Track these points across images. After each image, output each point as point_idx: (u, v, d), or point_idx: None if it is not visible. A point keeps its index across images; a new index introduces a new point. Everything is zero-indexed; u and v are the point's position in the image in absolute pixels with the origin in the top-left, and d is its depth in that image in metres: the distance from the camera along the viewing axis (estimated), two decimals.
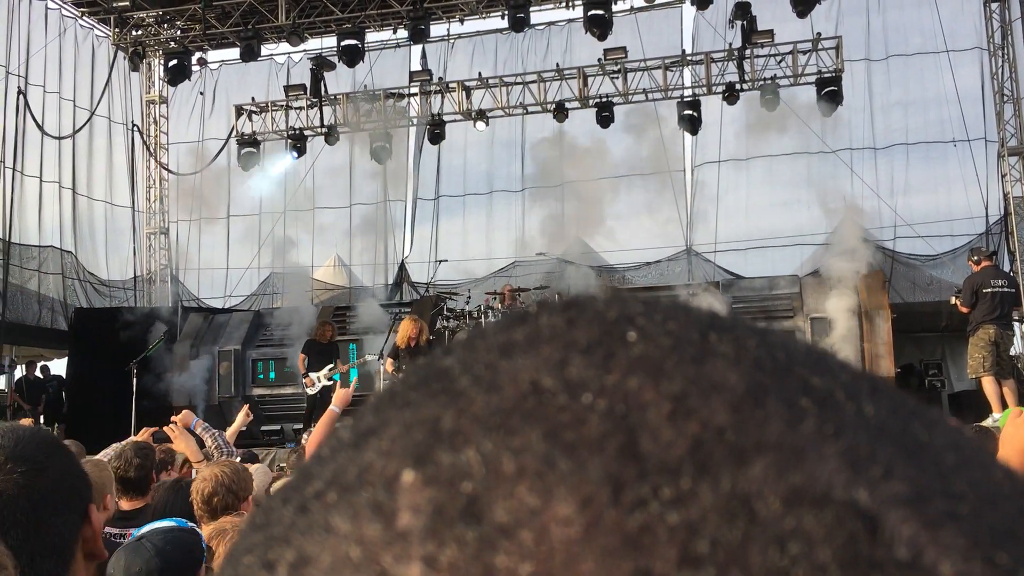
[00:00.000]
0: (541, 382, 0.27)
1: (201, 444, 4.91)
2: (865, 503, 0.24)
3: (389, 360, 10.94)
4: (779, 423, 0.26)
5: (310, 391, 12.08)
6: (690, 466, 0.25)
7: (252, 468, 5.15)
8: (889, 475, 0.25)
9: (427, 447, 0.27)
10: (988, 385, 9.73)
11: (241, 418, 6.42)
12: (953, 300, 10.54)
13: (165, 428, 4.97)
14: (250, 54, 17.35)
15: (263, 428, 13.73)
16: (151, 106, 20.80)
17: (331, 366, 11.99)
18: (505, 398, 0.27)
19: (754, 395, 0.27)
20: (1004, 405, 9.07)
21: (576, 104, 17.30)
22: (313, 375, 11.98)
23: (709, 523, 0.24)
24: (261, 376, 14.73)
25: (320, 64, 17.82)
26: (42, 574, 1.34)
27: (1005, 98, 16.85)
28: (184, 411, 5.24)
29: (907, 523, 0.24)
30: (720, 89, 16.55)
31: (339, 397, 4.42)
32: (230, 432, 5.89)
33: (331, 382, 11.42)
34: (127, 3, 17.94)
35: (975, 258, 10.53)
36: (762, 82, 16.29)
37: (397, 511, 0.26)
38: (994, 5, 17.10)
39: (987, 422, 8.27)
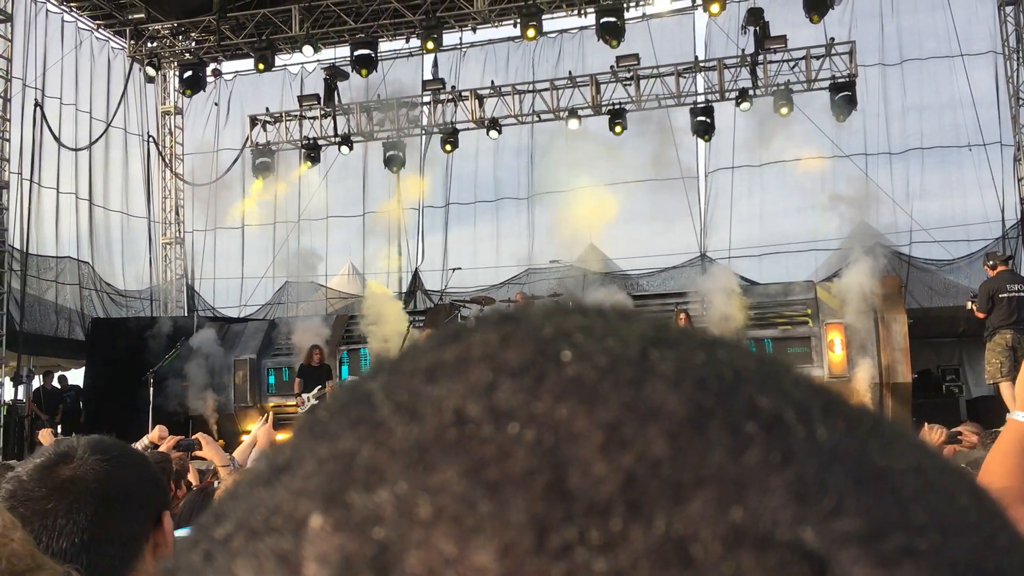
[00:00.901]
0: (466, 410, 0.25)
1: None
2: (812, 543, 0.22)
3: None
4: (721, 452, 0.23)
5: (302, 411, 12.58)
6: (621, 505, 0.22)
7: None
8: (840, 509, 0.23)
9: (339, 487, 0.24)
10: (1006, 390, 9.65)
11: (264, 435, 6.38)
12: (969, 305, 10.47)
13: (196, 436, 4.98)
14: (264, 64, 17.45)
15: (279, 438, 13.75)
16: (166, 117, 20.93)
17: (320, 387, 12.59)
18: (426, 429, 0.25)
19: (695, 421, 0.24)
20: None
21: (589, 111, 17.31)
22: (305, 395, 12.61)
23: (639, 570, 0.22)
24: (272, 384, 14.76)
25: (334, 74, 17.91)
26: (104, 561, 1.42)
27: (1021, 101, 16.75)
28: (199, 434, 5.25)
29: (858, 564, 0.22)
30: (733, 95, 16.52)
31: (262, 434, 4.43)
32: (243, 447, 5.86)
33: (319, 402, 11.81)
34: (142, 15, 18.09)
35: (991, 263, 10.46)
36: (775, 87, 16.25)
37: (302, 561, 0.24)
38: (1008, 8, 17.01)
39: None
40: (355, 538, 0.23)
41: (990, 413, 10.43)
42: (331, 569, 0.23)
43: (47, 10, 17.93)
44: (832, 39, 16.08)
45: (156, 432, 5.51)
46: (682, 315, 11.39)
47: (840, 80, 15.95)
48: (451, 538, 0.23)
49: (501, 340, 0.27)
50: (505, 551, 0.22)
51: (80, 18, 18.64)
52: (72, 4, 18.22)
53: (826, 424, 0.25)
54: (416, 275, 19.33)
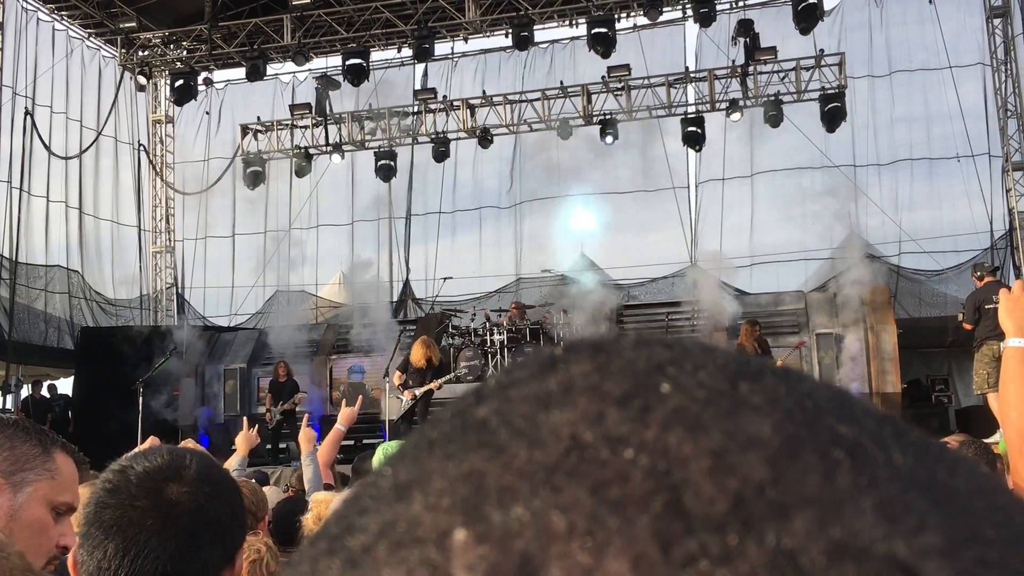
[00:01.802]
0: (582, 436, 0.27)
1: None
2: (903, 555, 0.25)
3: (397, 373, 11.34)
4: (816, 476, 0.26)
5: (269, 425, 12.98)
6: (735, 522, 0.25)
7: (267, 489, 5.16)
8: (923, 526, 0.26)
9: (475, 503, 0.27)
10: (994, 401, 9.69)
11: (248, 440, 6.40)
12: (960, 317, 10.51)
13: (185, 443, 4.99)
14: (256, 74, 17.46)
15: (268, 447, 13.71)
16: (157, 126, 20.91)
17: (282, 402, 13.05)
18: (548, 453, 0.27)
19: (789, 448, 0.27)
20: None
21: (580, 121, 17.36)
22: (273, 409, 13.12)
23: None
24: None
25: (325, 83, 17.93)
26: None
27: (1009, 113, 16.89)
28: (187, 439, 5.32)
29: (943, 573, 0.25)
30: (723, 106, 16.60)
31: (344, 416, 4.44)
32: (236, 458, 5.87)
33: (283, 416, 12.90)
34: (133, 24, 18.09)
35: (978, 274, 10.52)
36: (765, 98, 16.34)
37: (451, 570, 0.25)
38: (996, 21, 17.16)
39: (994, 438, 8.24)
40: (498, 550, 0.25)
41: (979, 423, 10.48)
42: None
43: (38, 18, 17.92)
44: (822, 50, 16.18)
45: (148, 444, 5.50)
46: (756, 328, 11.67)
47: (829, 91, 16.04)
48: (587, 550, 0.25)
49: (599, 371, 0.30)
50: (636, 561, 0.25)
51: (71, 27, 18.62)
52: (63, 13, 18.21)
53: (900, 450, 0.28)
54: (407, 284, 19.33)
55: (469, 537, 0.26)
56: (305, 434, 4.54)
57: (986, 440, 6.51)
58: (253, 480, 4.56)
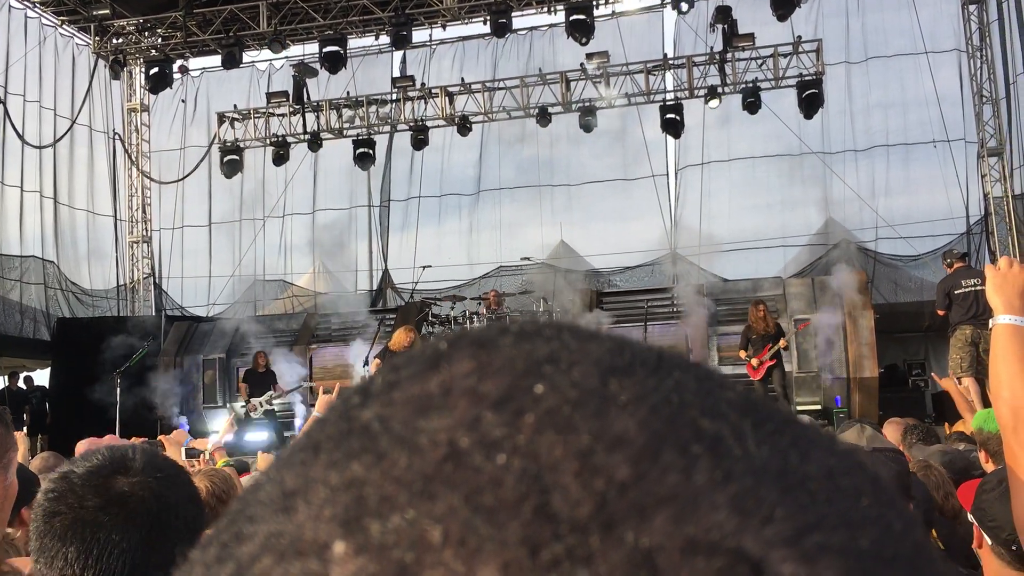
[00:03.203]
0: (458, 443, 0.28)
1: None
2: (750, 548, 0.26)
3: (376, 361, 11.30)
4: (675, 474, 0.27)
5: (254, 415, 12.91)
6: (597, 523, 0.26)
7: (244, 478, 5.15)
8: (771, 517, 0.27)
9: (355, 514, 0.27)
10: (950, 386, 9.76)
11: (227, 427, 6.40)
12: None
13: (160, 438, 4.98)
14: (232, 61, 17.31)
15: (247, 437, 13.67)
16: (132, 114, 20.72)
17: (270, 392, 12.95)
18: (426, 460, 0.28)
19: (652, 446, 0.28)
20: (986, 404, 9.11)
21: (559, 108, 17.34)
22: (255, 400, 12.94)
23: None
24: None
25: (302, 71, 17.81)
26: None
27: (984, 99, 17.01)
28: (199, 439, 5.37)
29: (786, 563, 0.26)
30: (702, 93, 16.63)
31: (321, 403, 4.42)
32: (215, 443, 5.87)
33: (271, 406, 12.85)
34: (107, 11, 17.87)
35: (948, 261, 10.63)
36: (744, 85, 16.37)
37: None
38: (972, 7, 17.26)
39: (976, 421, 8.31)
40: (376, 561, 0.26)
41: (955, 407, 10.55)
42: None
43: (9, 5, 17.67)
44: (799, 37, 16.21)
45: (83, 447, 5.47)
46: (761, 307, 11.60)
47: (807, 78, 16.09)
48: (459, 558, 0.26)
49: (478, 370, 0.31)
50: (506, 567, 0.26)
51: (44, 14, 18.39)
52: (35, 0, 17.97)
53: (756, 440, 0.30)
54: (386, 273, 19.28)
55: (348, 549, 0.27)
56: (323, 401, 4.48)
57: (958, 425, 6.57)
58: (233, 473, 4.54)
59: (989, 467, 3.65)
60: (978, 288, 9.85)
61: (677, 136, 17.13)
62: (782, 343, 11.32)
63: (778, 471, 0.29)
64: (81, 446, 4.06)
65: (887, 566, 0.28)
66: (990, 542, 2.32)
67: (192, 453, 5.18)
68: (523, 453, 0.28)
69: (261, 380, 13.25)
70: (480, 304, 13.57)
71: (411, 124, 17.76)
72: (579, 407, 0.29)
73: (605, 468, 0.27)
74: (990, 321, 2.09)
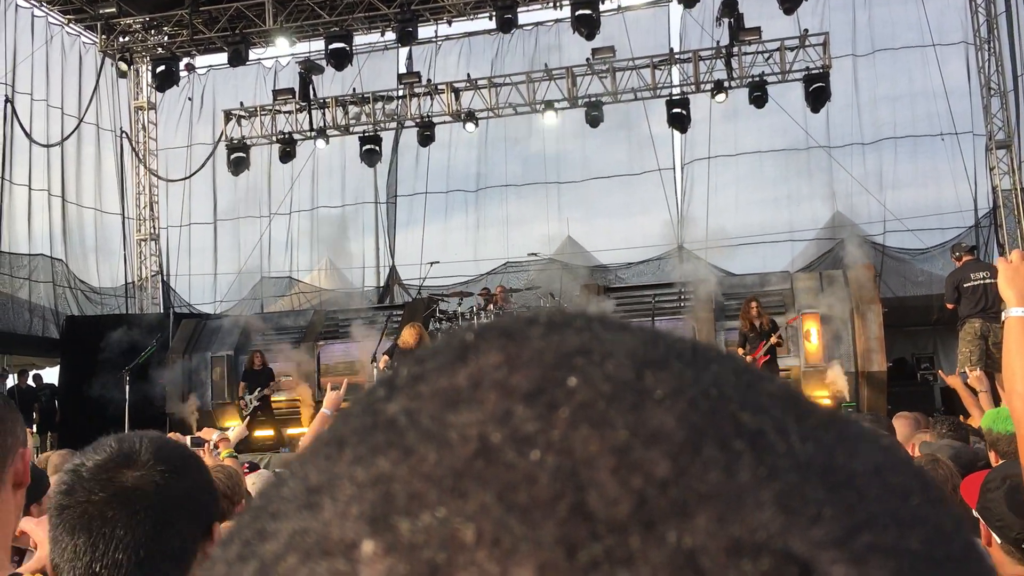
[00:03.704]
0: (489, 438, 0.27)
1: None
2: (798, 549, 0.25)
3: (384, 358, 11.30)
4: (717, 471, 0.26)
5: (244, 412, 13.06)
6: (637, 523, 0.25)
7: (252, 475, 5.17)
8: (819, 517, 0.26)
9: (383, 512, 0.27)
10: (957, 382, 9.73)
11: (240, 429, 6.43)
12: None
13: (169, 436, 5.01)
14: (238, 59, 17.32)
15: (257, 433, 13.72)
16: (139, 112, 20.76)
17: (260, 388, 13.11)
18: (456, 456, 0.27)
19: (692, 442, 0.27)
20: (996, 399, 9.05)
21: (565, 104, 17.31)
22: (247, 397, 13.16)
23: None
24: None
25: (308, 68, 17.81)
26: None
27: (992, 91, 16.92)
28: (205, 428, 5.44)
29: (836, 564, 0.25)
30: (708, 87, 16.58)
31: (330, 399, 4.41)
32: (220, 434, 5.90)
33: (259, 403, 12.99)
34: (113, 10, 17.90)
35: (956, 254, 10.57)
36: (750, 79, 16.32)
37: None
38: None
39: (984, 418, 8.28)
40: (406, 561, 0.25)
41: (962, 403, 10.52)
42: None
43: (16, 5, 17.71)
44: (806, 30, 16.16)
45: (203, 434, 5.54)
46: (754, 304, 11.58)
47: (814, 71, 16.04)
48: (493, 558, 0.25)
49: (508, 362, 0.30)
50: (542, 568, 0.25)
51: (51, 13, 18.42)
52: None
53: (800, 435, 0.29)
54: (393, 269, 19.29)
55: (377, 548, 0.26)
56: (331, 398, 4.48)
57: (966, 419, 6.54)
58: (236, 465, 4.56)
59: None
60: (987, 281, 9.81)
61: (683, 130, 17.09)
62: (773, 339, 11.29)
63: (824, 468, 0.28)
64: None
65: (938, 567, 0.27)
66: (999, 540, 2.31)
67: (197, 442, 5.22)
68: (557, 449, 0.27)
69: (256, 377, 13.34)
70: (484, 300, 13.56)
71: (417, 120, 17.75)
72: (614, 401, 0.28)
73: (643, 464, 0.26)
74: (1002, 314, 2.07)
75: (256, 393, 13.04)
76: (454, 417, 0.28)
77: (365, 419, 0.30)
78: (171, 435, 4.59)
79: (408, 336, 11.12)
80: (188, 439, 5.10)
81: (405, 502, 0.27)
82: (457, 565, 0.25)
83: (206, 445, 5.06)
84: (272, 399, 13.45)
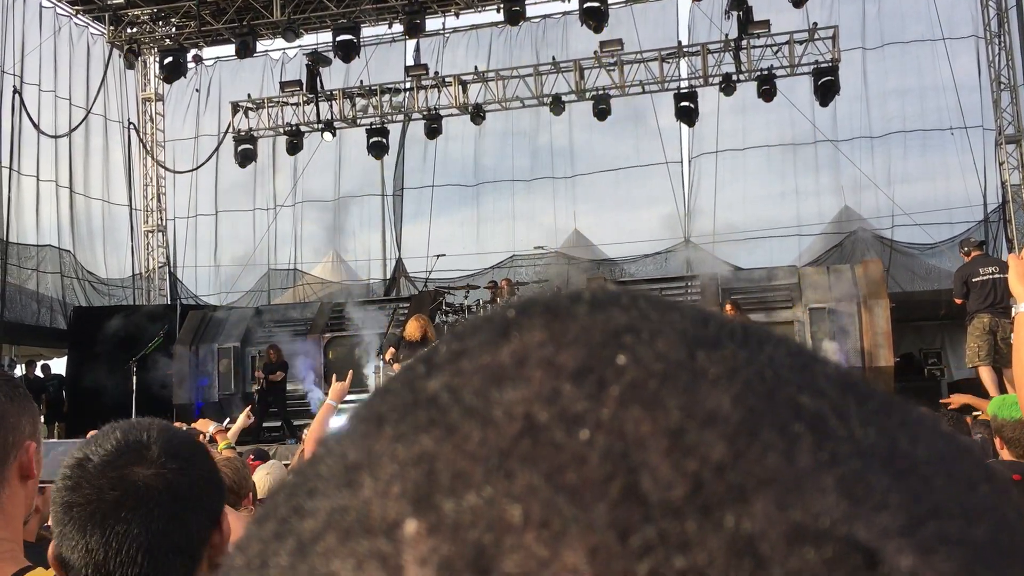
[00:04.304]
0: (536, 416, 0.26)
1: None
2: (864, 537, 0.24)
3: (391, 349, 11.33)
4: (776, 455, 0.25)
5: (254, 387, 13.48)
6: (693, 507, 0.24)
7: (265, 465, 5.17)
8: (884, 504, 0.25)
9: (427, 491, 0.26)
10: (986, 374, 9.70)
11: (242, 419, 6.42)
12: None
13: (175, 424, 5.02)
14: (245, 51, 17.31)
15: (264, 425, 13.75)
16: (147, 104, 20.78)
17: (272, 373, 13.29)
18: (502, 435, 0.26)
19: (749, 424, 0.26)
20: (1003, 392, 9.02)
21: (573, 97, 17.27)
22: (258, 374, 13.46)
23: (716, 566, 0.24)
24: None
25: (316, 60, 17.79)
26: (168, 571, 1.37)
27: (1002, 86, 16.83)
28: (201, 420, 5.44)
29: (903, 553, 0.24)
30: (717, 80, 16.52)
31: (335, 391, 4.41)
32: (232, 433, 5.90)
33: (268, 383, 13.19)
34: (121, 1, 17.91)
35: (965, 249, 10.53)
36: (759, 73, 16.26)
37: (403, 564, 0.25)
38: None
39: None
40: (451, 541, 0.25)
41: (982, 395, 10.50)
42: (432, 571, 0.24)
43: None
44: (815, 24, 16.08)
45: (199, 425, 5.55)
46: (728, 305, 11.63)
47: (823, 65, 15.97)
48: (542, 541, 0.24)
49: (553, 340, 0.28)
50: (593, 551, 0.24)
51: (59, 4, 18.44)
52: None
53: (861, 419, 0.28)
54: (399, 262, 19.29)
55: (420, 528, 0.25)
56: (337, 389, 4.46)
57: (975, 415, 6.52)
58: (243, 456, 4.56)
59: (1004, 454, 3.62)
60: (996, 276, 9.76)
61: (691, 124, 17.04)
62: None
63: (887, 454, 0.27)
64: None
65: (1006, 559, 0.26)
66: None
67: (192, 435, 5.23)
68: (607, 429, 0.26)
69: (269, 368, 13.44)
70: (491, 293, 13.56)
71: (424, 113, 17.73)
72: (666, 381, 0.27)
73: (699, 447, 0.25)
74: (1012, 309, 2.06)
75: (266, 374, 13.20)
76: (499, 394, 0.27)
77: (405, 396, 0.29)
78: (176, 424, 4.58)
79: (413, 328, 11.12)
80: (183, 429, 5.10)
81: (449, 481, 0.26)
82: (504, 547, 0.24)
83: (200, 437, 5.05)
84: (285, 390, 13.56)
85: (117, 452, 1.39)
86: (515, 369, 0.28)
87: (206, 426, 5.33)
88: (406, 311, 14.01)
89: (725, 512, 0.24)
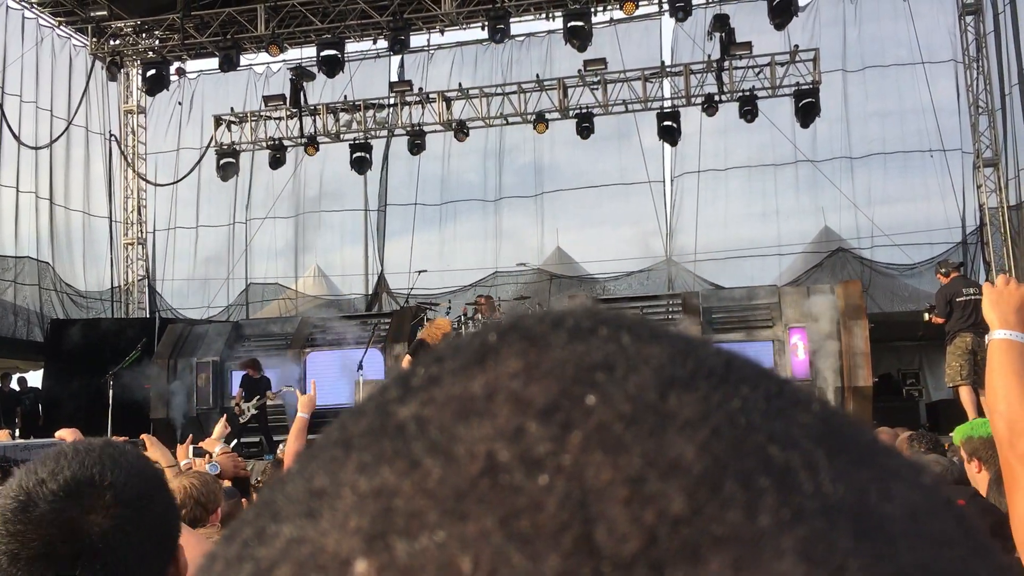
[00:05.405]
0: (498, 456, 0.26)
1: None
2: None
3: (408, 357, 11.12)
4: (736, 510, 0.24)
5: (241, 419, 12.91)
6: (643, 564, 0.23)
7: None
8: (843, 568, 0.24)
9: (382, 528, 0.25)
10: (965, 394, 9.76)
11: (219, 430, 6.36)
12: (927, 317, 10.55)
13: (142, 436, 4.96)
14: (229, 64, 17.30)
15: (242, 440, 13.65)
16: (129, 116, 20.69)
17: (258, 396, 12.99)
18: (462, 474, 0.26)
19: (712, 476, 0.25)
20: (981, 414, 9.08)
21: (556, 115, 17.34)
22: (244, 405, 13.02)
23: None
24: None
25: (300, 74, 17.79)
26: None
27: (980, 110, 17.05)
28: (208, 439, 5.41)
29: None
30: (699, 100, 16.63)
31: (304, 403, 4.38)
32: (208, 443, 5.85)
33: (257, 411, 12.93)
34: (105, 13, 17.86)
35: (943, 270, 10.61)
36: (741, 94, 16.38)
37: None
38: (969, 18, 17.31)
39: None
40: None
41: (949, 416, 10.57)
42: None
43: (7, 5, 17.65)
44: (796, 46, 16.24)
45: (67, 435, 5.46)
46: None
47: (804, 87, 16.11)
48: None
49: (526, 373, 0.28)
50: None
51: (41, 15, 18.36)
52: (33, 1, 17.94)
53: (831, 473, 0.26)
54: (381, 277, 19.26)
55: (370, 568, 0.25)
56: (305, 402, 4.42)
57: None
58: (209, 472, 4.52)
59: (982, 476, 3.63)
60: (978, 297, 9.84)
61: (674, 143, 17.13)
62: None
63: (854, 511, 0.26)
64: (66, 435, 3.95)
65: None
66: None
67: (199, 452, 5.18)
68: (567, 474, 0.25)
69: (255, 386, 13.27)
70: (473, 309, 13.53)
71: (408, 129, 17.74)
72: (632, 424, 0.26)
73: (657, 498, 0.24)
74: (986, 337, 2.11)
75: (255, 401, 12.95)
76: (464, 430, 0.27)
77: (374, 421, 0.29)
78: (143, 437, 4.51)
79: (434, 332, 10.75)
80: (190, 448, 5.04)
81: (404, 520, 0.25)
82: None
83: (205, 456, 5.05)
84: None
85: (67, 496, 1.25)
86: (484, 402, 0.27)
87: (213, 446, 5.26)
88: (388, 327, 13.98)
89: (676, 571, 0.23)
